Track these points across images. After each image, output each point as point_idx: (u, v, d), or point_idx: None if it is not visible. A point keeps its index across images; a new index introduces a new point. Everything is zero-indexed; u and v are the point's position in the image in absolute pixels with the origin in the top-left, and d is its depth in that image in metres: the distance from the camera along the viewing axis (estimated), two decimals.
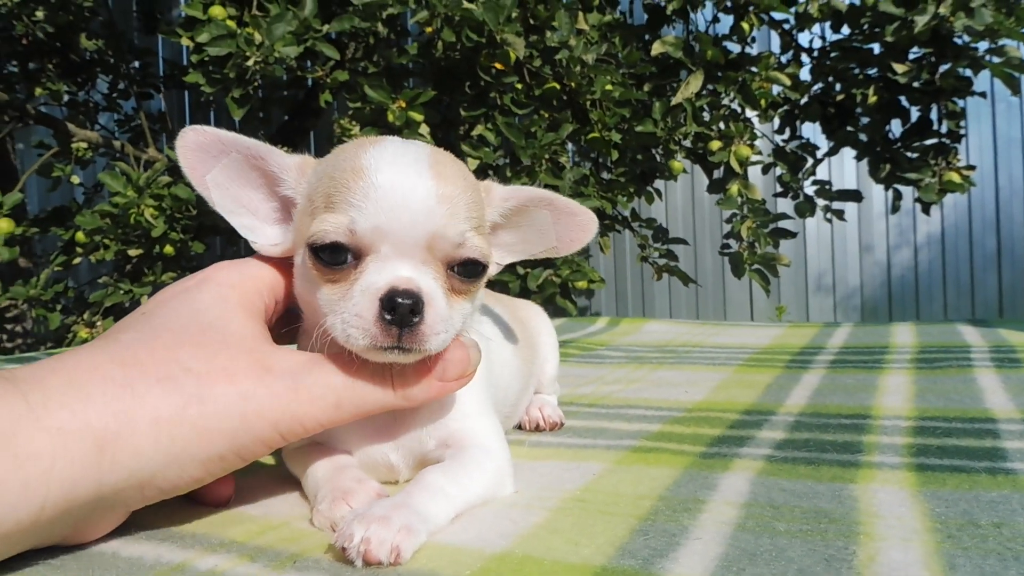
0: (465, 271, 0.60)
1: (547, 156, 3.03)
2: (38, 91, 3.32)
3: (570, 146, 3.29)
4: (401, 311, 0.56)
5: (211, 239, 3.45)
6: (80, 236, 2.94)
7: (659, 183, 4.20)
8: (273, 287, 0.66)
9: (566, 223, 0.69)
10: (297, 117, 3.92)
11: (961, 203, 4.17)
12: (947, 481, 0.65)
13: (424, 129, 3.07)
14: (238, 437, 0.55)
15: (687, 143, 3.16)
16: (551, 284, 3.09)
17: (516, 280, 3.10)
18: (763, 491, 0.64)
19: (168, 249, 3.03)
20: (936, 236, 4.40)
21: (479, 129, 3.08)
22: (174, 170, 3.03)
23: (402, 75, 3.38)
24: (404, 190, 0.57)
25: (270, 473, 0.75)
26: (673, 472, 0.70)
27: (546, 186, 3.09)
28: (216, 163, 0.64)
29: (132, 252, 3.05)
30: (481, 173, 3.11)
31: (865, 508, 0.59)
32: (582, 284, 3.17)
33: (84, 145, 3.36)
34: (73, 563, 0.54)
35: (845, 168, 4.21)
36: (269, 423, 0.55)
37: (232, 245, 3.88)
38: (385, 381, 0.59)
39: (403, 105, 2.99)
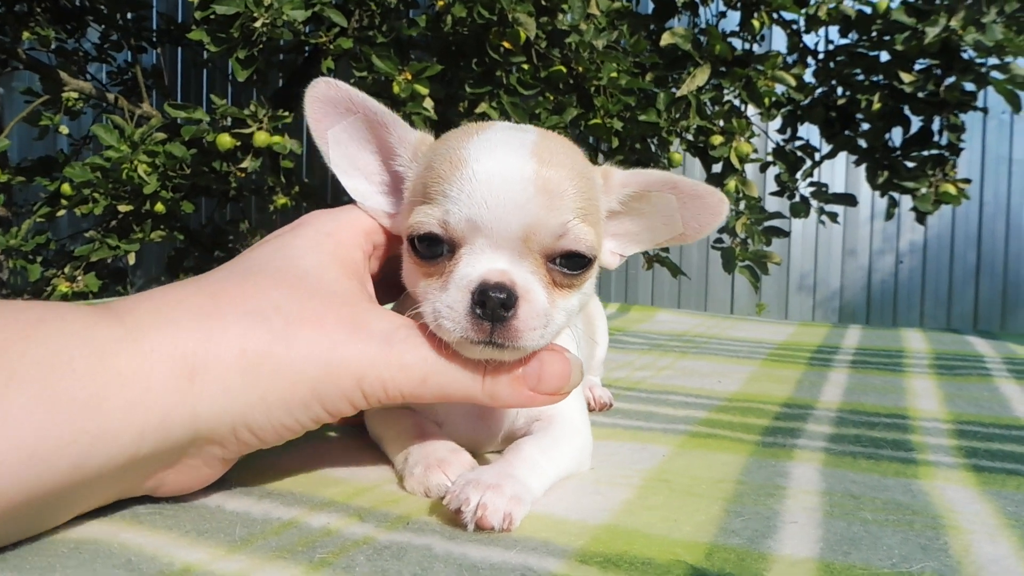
0: (568, 264, 0.58)
1: None
2: (25, 35, 3.24)
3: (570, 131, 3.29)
4: (492, 305, 0.54)
5: (199, 199, 3.42)
6: (66, 188, 2.89)
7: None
8: (370, 234, 0.65)
9: (693, 207, 0.65)
10: (295, 82, 3.87)
11: (945, 215, 4.25)
12: (1007, 483, 0.67)
13: (428, 103, 3.06)
14: (322, 385, 0.53)
15: (689, 136, 3.18)
16: None
17: None
18: (836, 482, 0.66)
19: (159, 207, 3.00)
20: (919, 245, 4.48)
21: (483, 107, 3.07)
22: (170, 127, 2.99)
23: (409, 47, 3.36)
24: (499, 180, 0.55)
25: (323, 438, 0.75)
26: (739, 459, 0.72)
27: None
28: (340, 119, 0.64)
29: (122, 208, 3.01)
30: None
31: (939, 503, 0.61)
32: None
33: (75, 95, 3.30)
34: (184, 514, 0.54)
35: (836, 172, 4.26)
36: (354, 378, 0.54)
37: (221, 208, 3.84)
38: (477, 371, 0.57)
39: (409, 77, 2.98)
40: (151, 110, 3.47)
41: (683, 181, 0.65)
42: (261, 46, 2.85)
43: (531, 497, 0.56)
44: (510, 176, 0.55)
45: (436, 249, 0.57)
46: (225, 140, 2.83)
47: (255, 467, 0.64)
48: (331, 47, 2.88)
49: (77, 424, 0.45)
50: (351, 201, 0.67)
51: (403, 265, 0.63)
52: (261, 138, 2.88)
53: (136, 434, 0.47)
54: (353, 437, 0.73)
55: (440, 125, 3.17)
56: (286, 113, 2.95)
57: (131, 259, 3.33)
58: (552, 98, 3.04)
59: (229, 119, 2.85)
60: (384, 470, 0.66)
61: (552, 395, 0.58)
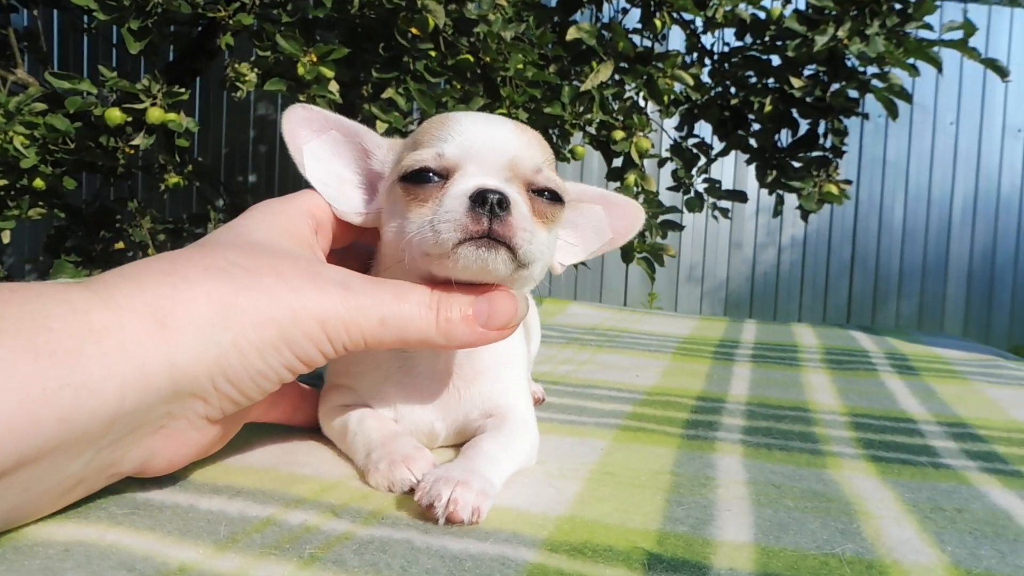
0: (545, 193, 0.66)
1: None
2: None
3: None
4: (490, 200, 0.59)
5: (82, 176, 3.28)
6: None
7: (575, 164, 4.31)
8: (314, 211, 0.69)
9: (618, 214, 0.76)
10: (189, 57, 3.75)
11: (824, 212, 4.52)
12: (902, 472, 0.76)
13: (334, 86, 3.04)
14: (287, 329, 0.55)
15: (591, 130, 3.27)
16: None
17: None
18: (758, 472, 0.73)
19: (38, 182, 2.86)
20: (799, 240, 4.76)
21: (390, 92, 3.07)
22: (51, 97, 2.85)
23: (314, 27, 3.30)
24: (485, 126, 0.65)
25: (283, 435, 0.77)
26: (670, 451, 0.79)
27: None
28: (316, 136, 0.70)
29: None
30: (388, 137, 3.11)
31: (849, 492, 0.69)
32: None
33: None
34: (160, 515, 0.56)
35: (724, 169, 4.46)
36: (317, 321, 0.56)
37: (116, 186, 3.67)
38: (431, 312, 0.61)
39: (314, 59, 2.95)
40: (26, 77, 3.28)
41: (609, 194, 0.77)
42: (156, 17, 2.75)
43: (494, 491, 0.60)
44: (494, 124, 0.66)
45: (426, 178, 0.64)
46: (115, 115, 2.72)
47: (220, 466, 0.65)
48: (230, 22, 2.81)
49: (60, 376, 0.46)
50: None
51: (385, 232, 0.68)
52: (155, 115, 2.78)
53: (117, 385, 0.48)
54: (313, 435, 0.75)
55: (345, 109, 3.14)
56: (182, 90, 2.86)
57: (5, 237, 3.16)
58: (459, 87, 3.07)
59: (119, 92, 2.74)
60: (345, 467, 0.69)
61: (501, 329, 0.63)
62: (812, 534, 0.59)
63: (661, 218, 3.21)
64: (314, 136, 0.71)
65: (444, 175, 0.64)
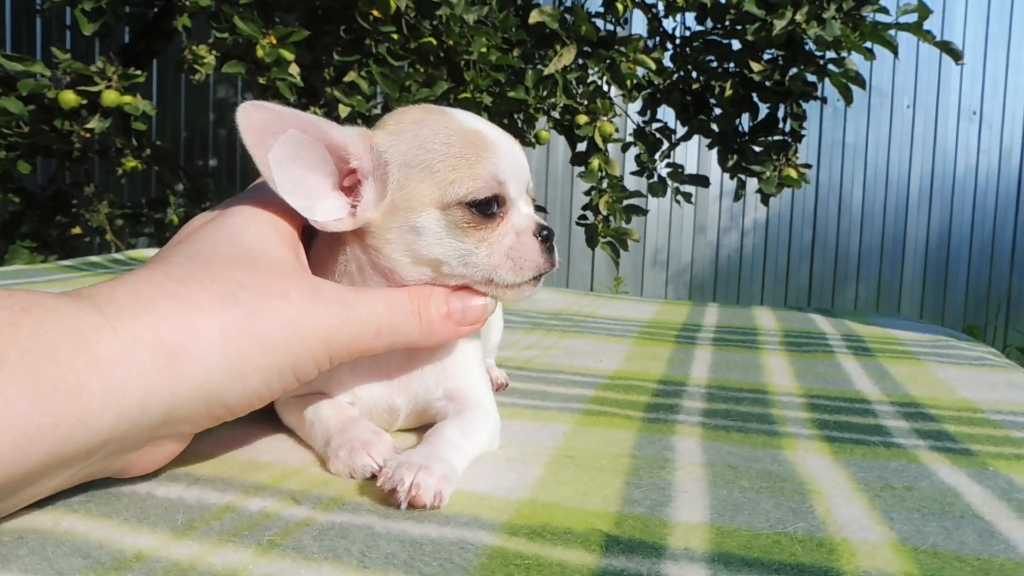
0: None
1: None
2: None
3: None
4: (551, 237, 0.71)
5: (37, 160, 3.21)
6: None
7: (540, 149, 4.31)
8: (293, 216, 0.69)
9: None
10: (144, 39, 3.68)
11: (785, 196, 4.58)
12: (854, 451, 0.78)
13: (294, 69, 3.01)
14: (295, 352, 0.58)
15: (555, 114, 3.28)
16: None
17: None
18: (715, 454, 0.74)
19: None
20: (761, 223, 4.81)
21: (352, 76, 3.05)
22: (3, 80, 2.79)
23: (273, 9, 3.26)
24: (513, 148, 0.71)
25: (242, 422, 0.77)
26: (630, 434, 0.80)
27: None
28: (275, 140, 0.64)
29: None
30: (351, 121, 3.08)
31: (802, 472, 0.71)
32: None
33: None
34: (116, 502, 0.56)
35: (688, 154, 4.49)
36: (322, 341, 0.59)
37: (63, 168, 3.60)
38: (416, 316, 0.65)
39: (274, 41, 2.91)
40: None
41: None
42: None
43: (456, 476, 0.61)
44: (509, 139, 0.72)
45: (491, 207, 0.68)
46: (69, 98, 2.67)
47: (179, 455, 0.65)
48: (187, 3, 2.76)
49: (58, 411, 0.46)
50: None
51: (423, 238, 0.67)
52: (110, 97, 2.73)
53: (113, 418, 0.49)
54: (273, 422, 0.75)
55: (307, 93, 3.11)
56: (138, 72, 2.81)
57: None
58: (423, 70, 3.05)
59: (73, 75, 2.68)
60: (306, 453, 0.69)
61: (472, 325, 0.70)
62: (765, 514, 0.60)
63: (625, 203, 3.23)
64: (273, 139, 0.64)
65: (502, 204, 0.69)
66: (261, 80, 2.96)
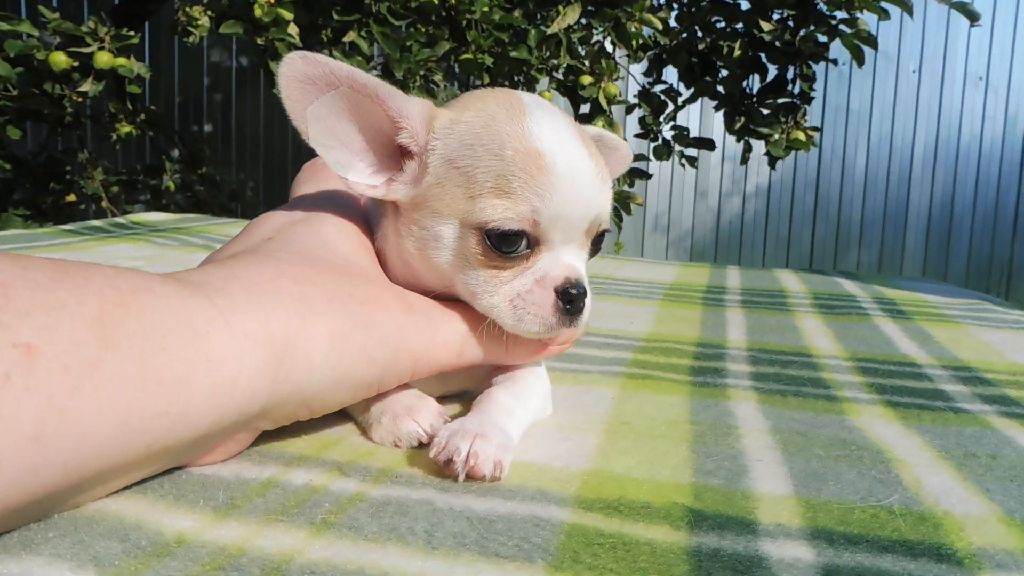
0: (598, 241, 0.64)
1: (422, 72, 2.97)
2: None
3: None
4: (577, 303, 0.60)
5: (25, 125, 3.12)
6: None
7: None
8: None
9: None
10: (136, 1, 3.58)
11: (787, 161, 4.51)
12: (922, 417, 0.73)
13: (293, 29, 2.92)
14: (387, 367, 0.57)
15: (559, 75, 3.20)
16: None
17: None
18: (779, 420, 0.70)
19: None
20: (763, 189, 4.75)
21: (351, 36, 2.97)
22: None
23: None
24: (579, 177, 0.58)
25: None
26: (682, 399, 0.75)
27: None
28: (319, 94, 0.58)
29: None
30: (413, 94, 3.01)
31: (875, 439, 0.66)
32: None
33: None
34: (148, 478, 0.50)
35: (691, 117, 4.42)
36: (411, 358, 0.58)
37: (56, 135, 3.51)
38: (502, 340, 0.63)
39: (272, 1, 2.82)
40: None
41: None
42: None
43: (513, 445, 0.56)
44: (585, 170, 0.59)
45: (515, 245, 0.59)
46: (60, 59, 2.58)
47: None
48: None
49: (163, 404, 0.43)
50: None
51: (416, 241, 0.61)
52: (103, 59, 2.65)
53: (218, 416, 0.47)
54: None
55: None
56: (131, 32, 2.72)
57: None
58: (424, 30, 2.97)
59: (62, 35, 2.59)
60: (344, 421, 0.63)
61: (562, 345, 0.67)
62: (851, 484, 0.55)
63: (629, 166, 3.17)
64: (318, 95, 0.58)
65: (532, 243, 0.59)
66: (259, 41, 2.87)
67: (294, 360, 0.50)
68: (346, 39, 2.95)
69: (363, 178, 0.61)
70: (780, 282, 1.58)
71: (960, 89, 4.62)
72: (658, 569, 0.42)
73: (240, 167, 4.62)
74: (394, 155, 0.62)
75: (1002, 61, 4.57)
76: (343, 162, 0.61)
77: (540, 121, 0.59)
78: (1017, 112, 4.59)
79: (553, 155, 0.57)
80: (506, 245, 0.58)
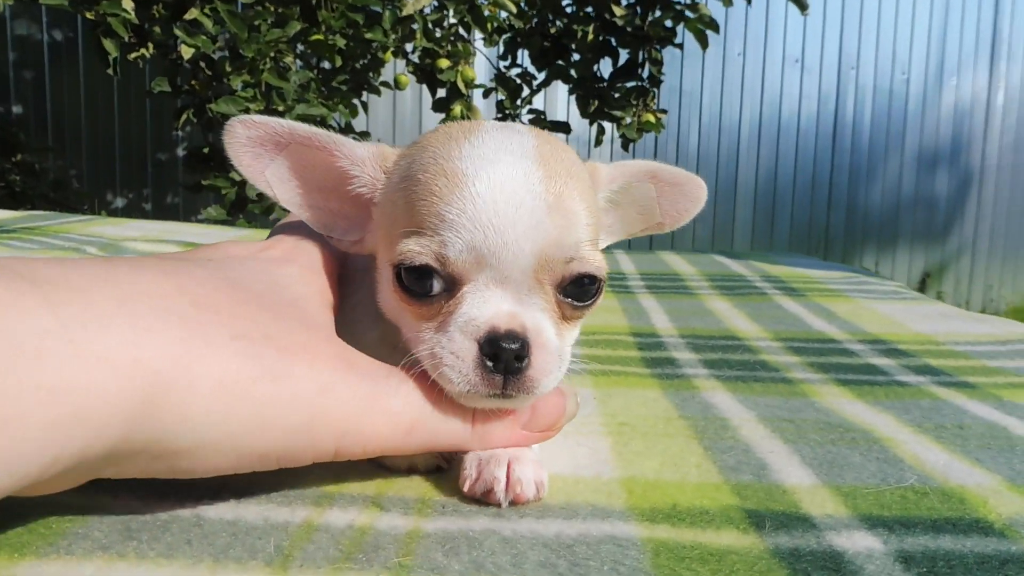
0: (578, 293, 0.52)
1: (272, 54, 2.83)
2: None
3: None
4: (506, 357, 0.48)
5: None
6: None
7: (387, 97, 4.14)
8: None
9: (671, 195, 0.62)
10: None
11: (649, 142, 4.65)
12: (876, 393, 0.78)
13: (128, 5, 2.71)
14: (295, 439, 0.45)
15: (415, 58, 3.15)
16: None
17: (232, 188, 2.89)
18: (758, 408, 0.72)
19: None
20: None
21: (194, 13, 2.78)
22: None
23: None
24: (507, 199, 0.48)
25: None
26: (658, 394, 0.76)
27: (269, 87, 2.88)
28: (273, 157, 0.55)
29: None
30: (195, 65, 2.82)
31: (852, 418, 0.70)
32: None
33: None
34: (165, 536, 0.45)
35: (559, 100, 4.48)
36: (334, 433, 0.46)
37: None
38: (467, 417, 0.51)
39: None
40: None
41: (663, 169, 0.61)
42: None
43: (540, 459, 0.54)
44: (519, 192, 0.48)
45: (429, 284, 0.50)
46: None
47: None
48: None
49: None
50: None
51: (380, 288, 0.55)
52: None
53: (49, 459, 0.36)
54: None
55: (141, 32, 2.80)
56: None
57: None
58: (273, 9, 2.83)
59: None
60: None
61: (546, 432, 0.52)
62: (864, 468, 0.58)
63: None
64: (270, 157, 0.55)
65: (450, 282, 0.50)
66: (88, 15, 2.64)
67: (165, 402, 0.39)
68: (188, 16, 2.76)
69: (344, 234, 0.58)
70: (671, 265, 1.63)
71: (780, 70, 4.95)
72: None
73: (59, 153, 4.22)
74: (363, 208, 0.58)
75: (814, 44, 4.94)
76: (319, 221, 0.58)
77: (479, 140, 0.51)
78: (829, 92, 4.98)
79: (471, 176, 0.49)
80: (416, 284, 0.50)
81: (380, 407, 0.47)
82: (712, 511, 0.50)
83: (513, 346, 0.48)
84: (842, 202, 5.09)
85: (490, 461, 0.51)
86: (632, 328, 1.05)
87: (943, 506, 0.51)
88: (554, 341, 0.51)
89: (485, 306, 0.49)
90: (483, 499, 0.50)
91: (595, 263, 0.51)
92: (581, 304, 0.52)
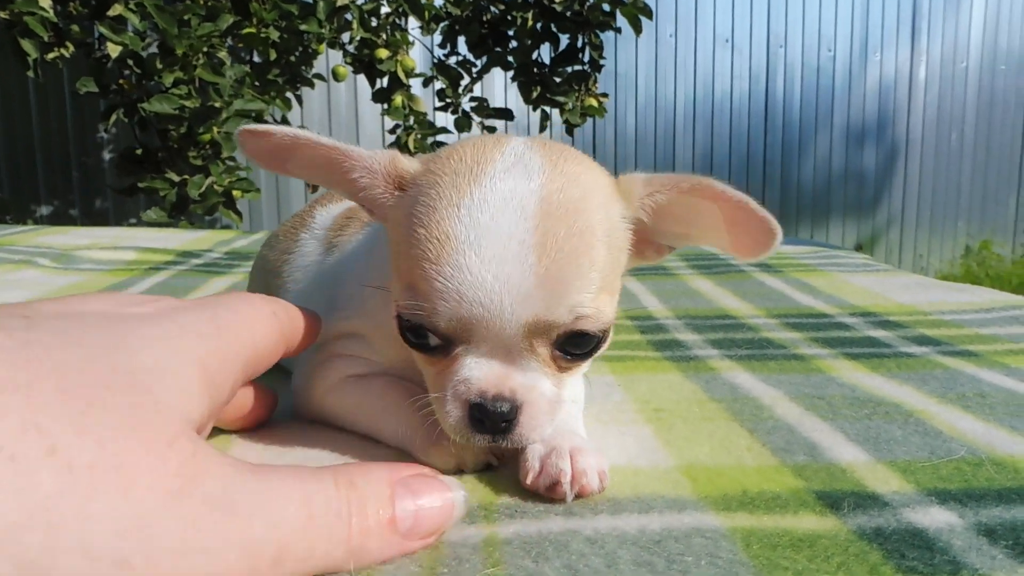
0: (578, 344, 0.50)
1: (205, 49, 2.74)
2: None
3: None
4: (492, 420, 0.49)
5: None
6: None
7: (321, 90, 4.03)
8: (257, 344, 0.49)
9: (743, 224, 0.53)
10: None
11: (588, 126, 4.65)
12: (887, 364, 0.79)
13: (46, 2, 2.59)
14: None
15: (352, 48, 3.08)
16: (214, 193, 2.84)
17: (172, 189, 2.80)
18: (783, 387, 0.72)
19: None
20: None
21: (118, 9, 2.67)
22: None
23: None
24: (495, 276, 0.46)
25: (262, 434, 0.63)
26: (678, 377, 0.75)
27: (203, 82, 2.78)
28: (288, 158, 0.56)
29: None
30: (122, 63, 2.70)
31: (874, 392, 0.70)
32: (237, 194, 2.97)
33: None
34: None
35: (496, 86, 4.44)
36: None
37: None
38: (343, 528, 0.39)
39: None
40: None
41: (729, 192, 0.53)
42: None
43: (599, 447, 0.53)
44: (507, 265, 0.47)
45: (427, 339, 0.50)
46: None
47: None
48: None
49: None
50: None
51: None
52: None
53: None
54: (295, 424, 0.62)
55: (60, 31, 2.67)
56: None
57: None
58: (203, 3, 2.73)
59: None
60: (375, 448, 0.57)
61: (426, 539, 0.43)
62: (909, 442, 0.58)
63: (432, 139, 3.14)
64: (285, 157, 0.56)
65: (445, 342, 0.50)
66: (2, 14, 2.50)
67: None
68: (111, 12, 2.65)
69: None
70: None
71: (711, 50, 5.01)
72: (856, 560, 0.41)
73: None
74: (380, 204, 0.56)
75: (743, 24, 5.02)
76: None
77: (482, 195, 0.48)
78: (759, 71, 5.07)
79: (463, 243, 0.47)
80: (414, 336, 0.51)
81: (234, 535, 0.36)
82: (783, 495, 0.49)
83: (502, 409, 0.49)
84: (776, 178, 5.19)
85: (552, 453, 0.50)
86: (627, 312, 1.04)
87: (1001, 476, 0.52)
88: (548, 393, 0.50)
89: (476, 368, 0.49)
90: (546, 494, 0.49)
91: (594, 320, 0.49)
92: (581, 354, 0.51)
